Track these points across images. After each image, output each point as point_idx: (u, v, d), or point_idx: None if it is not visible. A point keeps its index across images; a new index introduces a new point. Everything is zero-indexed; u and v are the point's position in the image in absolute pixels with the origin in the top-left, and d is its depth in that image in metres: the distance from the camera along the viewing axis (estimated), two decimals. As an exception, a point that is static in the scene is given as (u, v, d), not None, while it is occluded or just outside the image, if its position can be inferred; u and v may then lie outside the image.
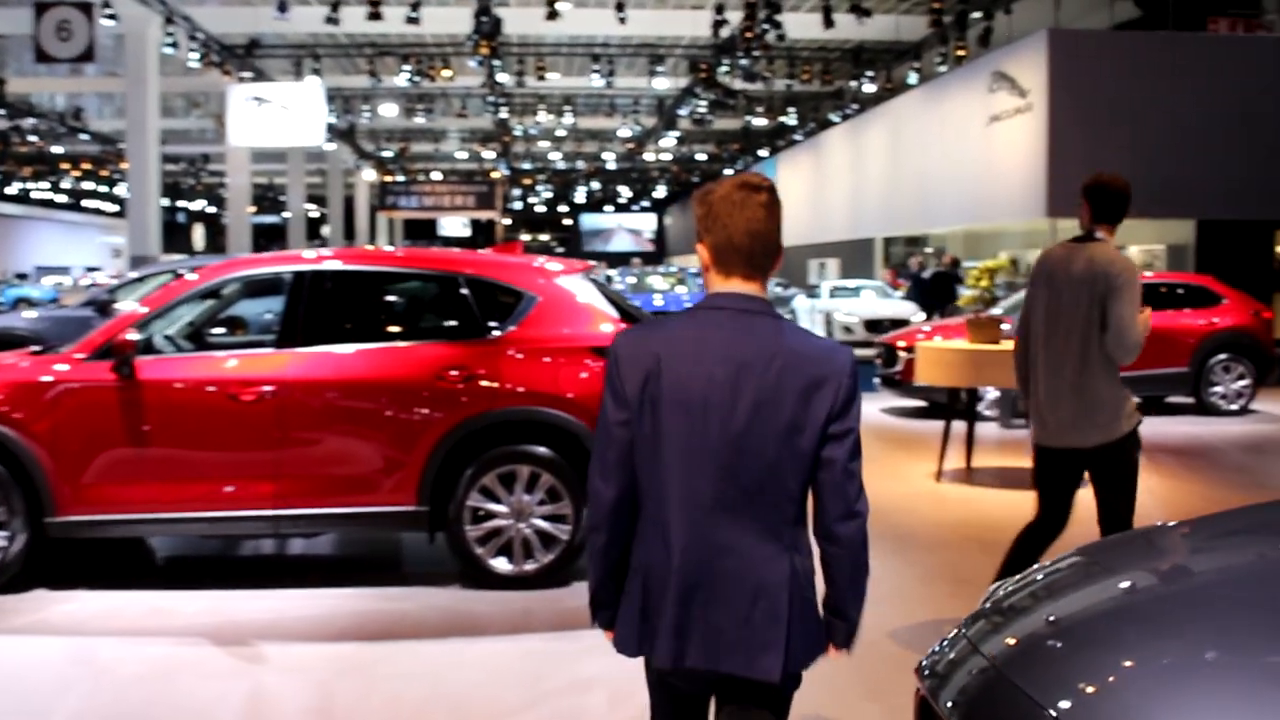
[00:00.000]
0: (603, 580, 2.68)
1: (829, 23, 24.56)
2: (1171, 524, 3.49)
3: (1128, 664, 2.42)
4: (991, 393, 12.72)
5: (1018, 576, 3.31)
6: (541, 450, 6.30)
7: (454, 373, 6.24)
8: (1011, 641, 2.76)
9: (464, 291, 6.49)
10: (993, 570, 6.87)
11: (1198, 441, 11.98)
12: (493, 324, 6.41)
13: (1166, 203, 23.28)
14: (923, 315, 23.13)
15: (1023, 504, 9.06)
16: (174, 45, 23.20)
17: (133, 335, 6.28)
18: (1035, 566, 3.38)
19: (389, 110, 38.03)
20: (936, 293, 22.97)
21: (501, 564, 6.34)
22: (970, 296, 9.92)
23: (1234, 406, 13.91)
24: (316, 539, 7.53)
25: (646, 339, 2.59)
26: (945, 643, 3.00)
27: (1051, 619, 2.84)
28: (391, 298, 7.36)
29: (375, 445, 6.25)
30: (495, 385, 6.25)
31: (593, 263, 7.28)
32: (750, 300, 2.56)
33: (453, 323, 6.62)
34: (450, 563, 6.56)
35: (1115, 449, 5.22)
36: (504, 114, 38.24)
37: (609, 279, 33.69)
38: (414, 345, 6.43)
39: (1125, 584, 2.99)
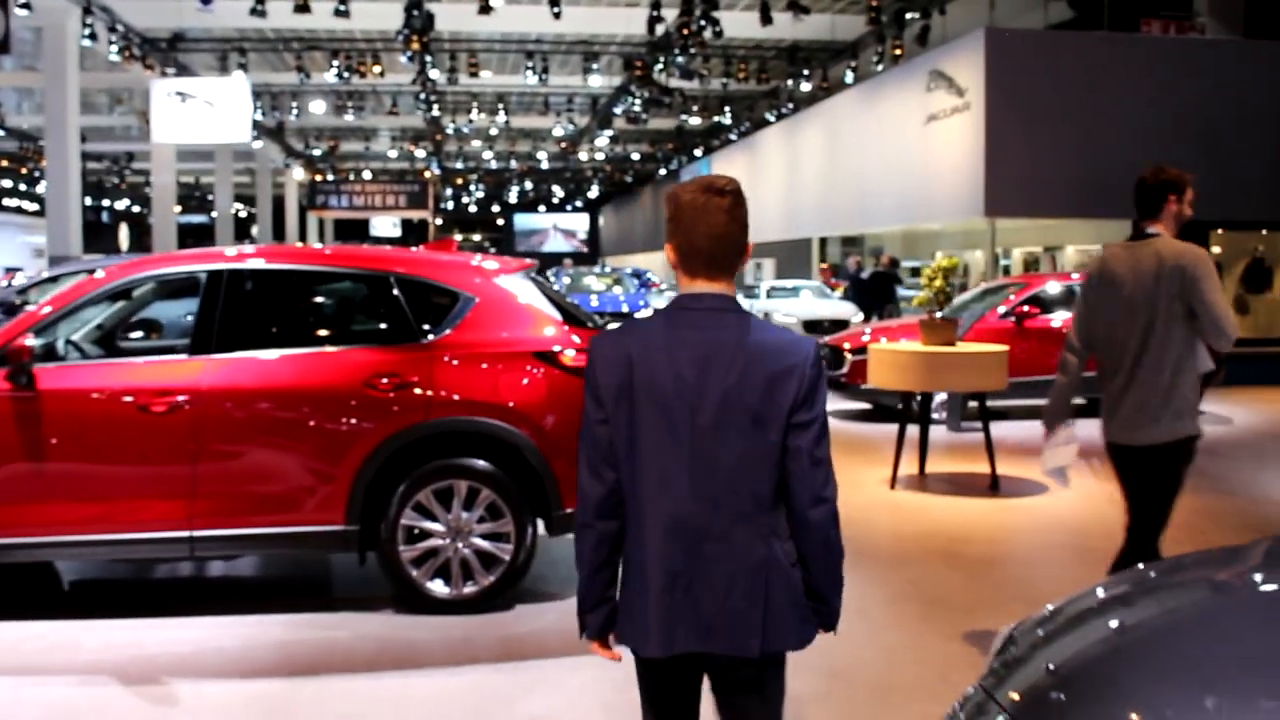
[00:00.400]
0: (590, 576, 2.71)
1: (766, 20, 24.25)
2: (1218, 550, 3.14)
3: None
4: (939, 395, 12.43)
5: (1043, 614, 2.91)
6: (480, 464, 5.84)
7: (385, 380, 5.76)
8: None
9: (395, 293, 6.01)
10: (962, 587, 6.56)
11: (1149, 444, 11.74)
12: (427, 327, 5.94)
13: (1104, 203, 23.23)
14: (861, 316, 22.90)
15: (983, 512, 8.82)
16: (92, 37, 22.36)
17: (30, 341, 5.74)
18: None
19: (318, 108, 37.25)
20: (875, 293, 22.77)
21: (439, 587, 5.87)
22: (923, 297, 9.59)
23: (1181, 408, 13.71)
24: (237, 562, 6.98)
25: (621, 340, 2.67)
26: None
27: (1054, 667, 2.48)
28: (317, 299, 6.80)
29: (299, 459, 5.75)
30: (430, 394, 5.78)
31: (533, 261, 6.79)
32: (716, 299, 2.64)
33: (383, 326, 6.11)
34: (383, 585, 6.07)
35: (1172, 450, 5.07)
36: (436, 112, 37.61)
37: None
38: (341, 351, 5.91)
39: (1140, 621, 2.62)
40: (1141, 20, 24.81)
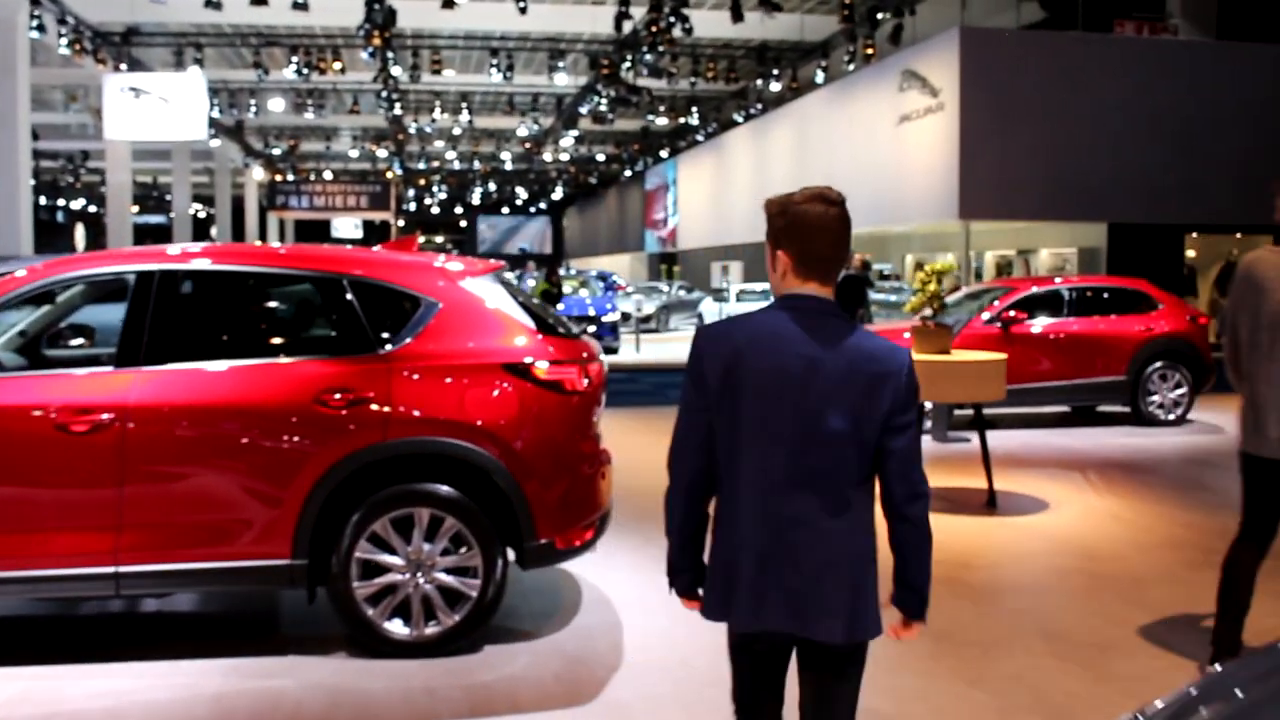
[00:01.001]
0: (681, 546, 2.96)
1: (738, 17, 23.69)
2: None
3: None
4: (926, 405, 11.89)
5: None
6: (444, 490, 5.21)
7: (337, 396, 5.12)
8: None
9: (349, 297, 5.36)
10: (972, 619, 5.98)
11: (1144, 455, 11.27)
12: (385, 336, 5.30)
13: (1079, 205, 22.92)
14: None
15: (983, 532, 8.23)
16: (40, 29, 21.54)
17: (-66, 351, 5.08)
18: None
19: (277, 105, 36.46)
20: (847, 296, 22.19)
21: (397, 627, 5.24)
22: (916, 301, 9.03)
23: (1171, 416, 13.28)
24: (171, 599, 6.23)
25: (728, 334, 2.83)
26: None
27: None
28: (261, 305, 6.11)
29: (240, 486, 5.10)
30: (387, 411, 5.15)
31: (502, 262, 6.14)
32: (823, 303, 2.82)
33: (336, 335, 5.45)
34: (335, 625, 5.42)
35: None
36: (398, 111, 36.87)
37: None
38: (288, 363, 5.26)
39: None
40: (1115, 21, 24.51)
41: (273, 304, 6.09)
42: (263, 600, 6.29)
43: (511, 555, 5.43)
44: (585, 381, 5.44)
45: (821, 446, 2.74)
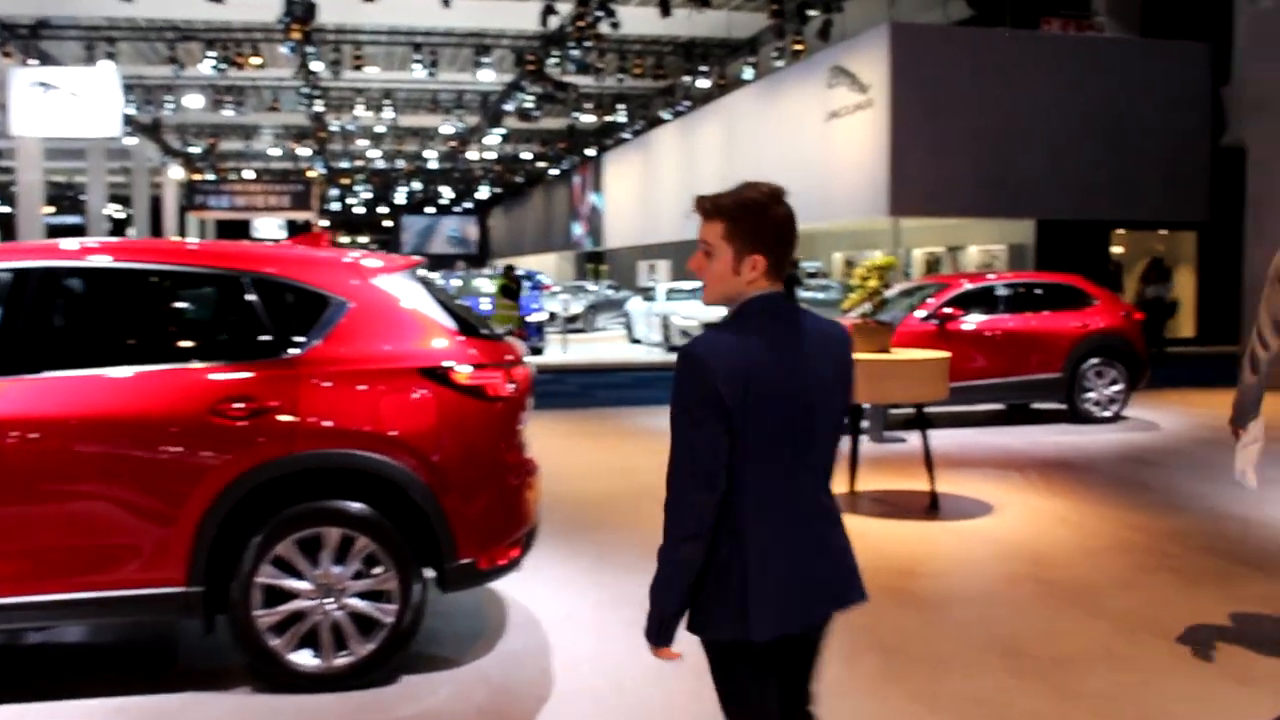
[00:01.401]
0: (689, 585, 2.73)
1: (665, 11, 23.35)
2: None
3: None
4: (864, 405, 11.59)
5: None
6: (356, 507, 4.77)
7: (237, 405, 4.66)
8: None
9: (250, 296, 4.89)
10: (921, 632, 5.62)
11: (1083, 453, 11.05)
12: (290, 339, 4.84)
13: (1007, 202, 22.88)
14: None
15: (927, 538, 7.84)
16: (-61, 21, 20.67)
17: None
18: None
19: (194, 102, 35.51)
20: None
21: (305, 659, 4.77)
22: (856, 298, 8.71)
23: (1107, 413, 13.11)
24: (51, 632, 5.64)
25: (737, 349, 2.68)
26: None
27: None
28: (153, 305, 5.42)
29: (126, 506, 4.61)
30: (293, 421, 4.69)
31: (420, 258, 5.68)
32: (785, 296, 2.80)
33: (236, 338, 4.99)
34: (236, 657, 4.93)
35: None
36: (319, 108, 36.16)
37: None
38: (182, 369, 4.76)
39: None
40: (1042, 19, 24.51)
41: (166, 304, 5.53)
42: (156, 632, 5.76)
43: (432, 576, 5.00)
44: (509, 386, 5.01)
45: (826, 435, 2.82)
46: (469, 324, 5.14)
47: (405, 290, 5.03)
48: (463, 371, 4.87)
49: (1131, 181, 23.50)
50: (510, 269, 22.14)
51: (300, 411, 4.69)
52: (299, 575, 4.76)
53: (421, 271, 5.35)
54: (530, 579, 6.30)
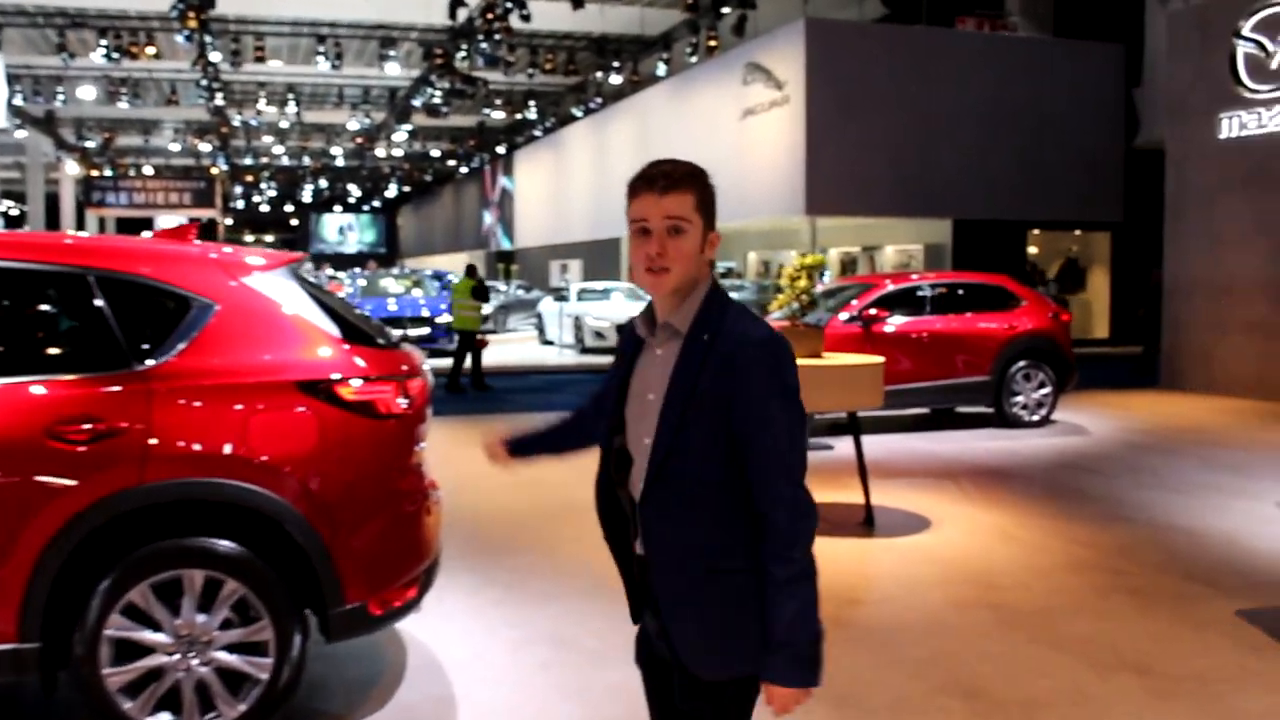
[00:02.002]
0: None
1: (578, 5, 22.71)
2: None
3: None
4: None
5: None
6: (223, 545, 4.07)
7: (81, 427, 3.94)
8: None
9: (96, 299, 4.15)
10: (872, 671, 4.95)
11: (1015, 459, 10.63)
12: (144, 347, 4.12)
13: (925, 201, 22.61)
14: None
15: (865, 557, 7.18)
16: None
17: None
18: None
19: (87, 94, 34.11)
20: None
21: (163, 724, 4.08)
22: (784, 299, 8.15)
23: (1035, 417, 12.75)
24: None
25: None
26: None
27: None
28: None
29: (-56, 548, 3.88)
30: (147, 445, 3.98)
31: (302, 254, 4.96)
32: None
33: (79, 347, 4.25)
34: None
35: None
36: (220, 102, 34.96)
37: (332, 278, 30.98)
38: (11, 384, 3.99)
39: None
40: (957, 18, 24.34)
41: None
42: None
43: (314, 624, 4.33)
44: (404, 402, 4.34)
45: None
46: (358, 330, 4.46)
47: (282, 291, 4.33)
48: (352, 385, 4.20)
49: (1047, 182, 23.39)
50: (473, 268, 20.64)
51: (155, 433, 3.98)
52: (156, 626, 4.04)
53: (302, 269, 4.66)
54: (432, 614, 5.64)
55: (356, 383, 4.21)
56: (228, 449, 4.04)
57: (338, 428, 4.17)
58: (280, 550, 4.16)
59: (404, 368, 4.47)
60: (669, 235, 2.34)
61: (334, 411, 4.17)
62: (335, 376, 4.20)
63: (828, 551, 7.20)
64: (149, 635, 4.04)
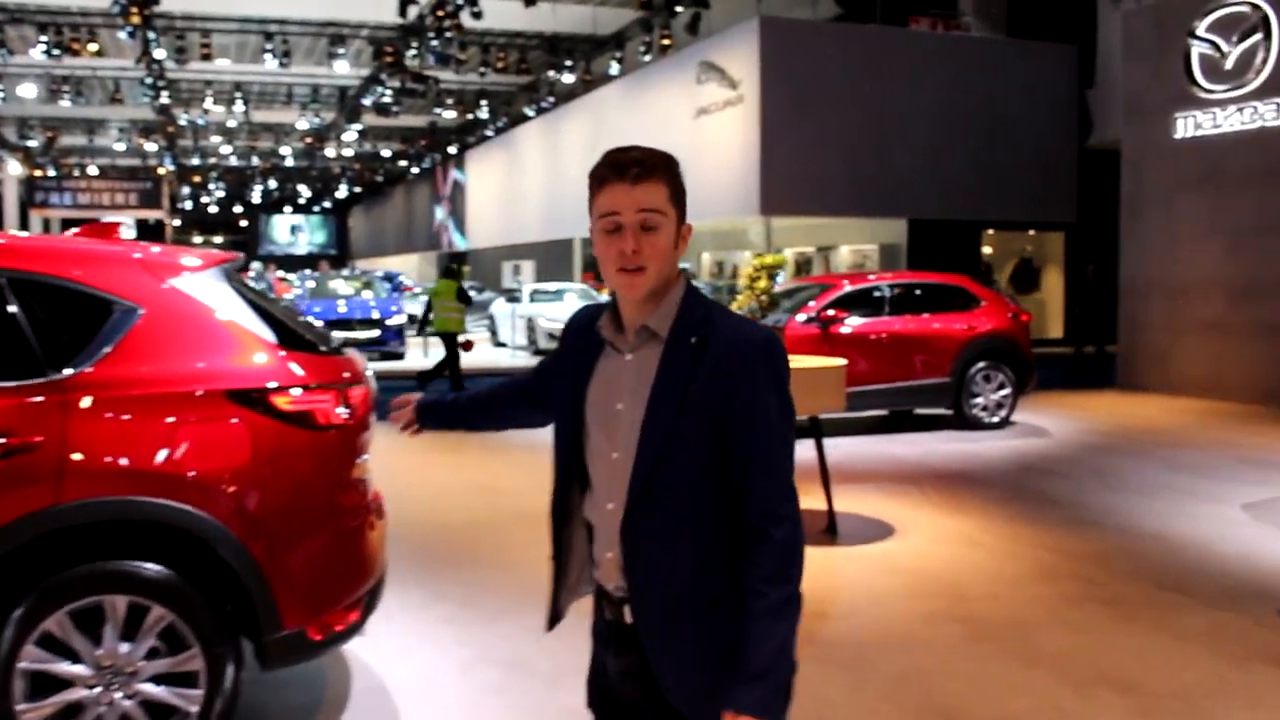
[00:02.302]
0: None
1: (530, 1, 22.39)
2: None
3: None
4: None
5: None
6: (149, 569, 3.76)
7: (-8, 441, 3.63)
8: None
9: (9, 305, 3.82)
10: (845, 694, 4.75)
11: (977, 462, 10.47)
12: (62, 354, 3.81)
13: (880, 201, 22.48)
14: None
15: (829, 567, 6.71)
16: None
17: None
18: None
19: (28, 91, 33.36)
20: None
21: (82, 763, 3.76)
22: (743, 299, 7.93)
23: (995, 419, 12.61)
24: None
25: None
26: None
27: None
28: None
29: None
30: (64, 461, 3.66)
31: (237, 254, 4.63)
32: None
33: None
34: (-2, 756, 3.92)
35: None
36: (166, 100, 34.30)
37: (264, 279, 30.47)
38: (-84, 396, 3.71)
39: None
40: (910, 18, 24.26)
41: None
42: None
43: (249, 651, 4.03)
44: (344, 411, 4.05)
45: None
46: (296, 335, 4.16)
47: (214, 294, 4.03)
48: (290, 394, 3.91)
49: (1001, 182, 23.36)
50: (452, 269, 19.86)
51: (73, 448, 3.67)
52: (75, 657, 3.74)
53: (235, 269, 4.36)
54: (379, 633, 5.35)
55: (294, 391, 3.92)
56: (153, 464, 3.74)
57: (273, 440, 3.88)
58: (211, 573, 3.86)
59: (345, 375, 4.18)
60: (643, 231, 2.11)
61: (269, 422, 3.87)
62: (271, 385, 3.91)
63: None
64: (67, 667, 3.73)
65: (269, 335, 4.02)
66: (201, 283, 4.04)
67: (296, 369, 3.98)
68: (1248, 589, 6.37)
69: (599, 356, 2.25)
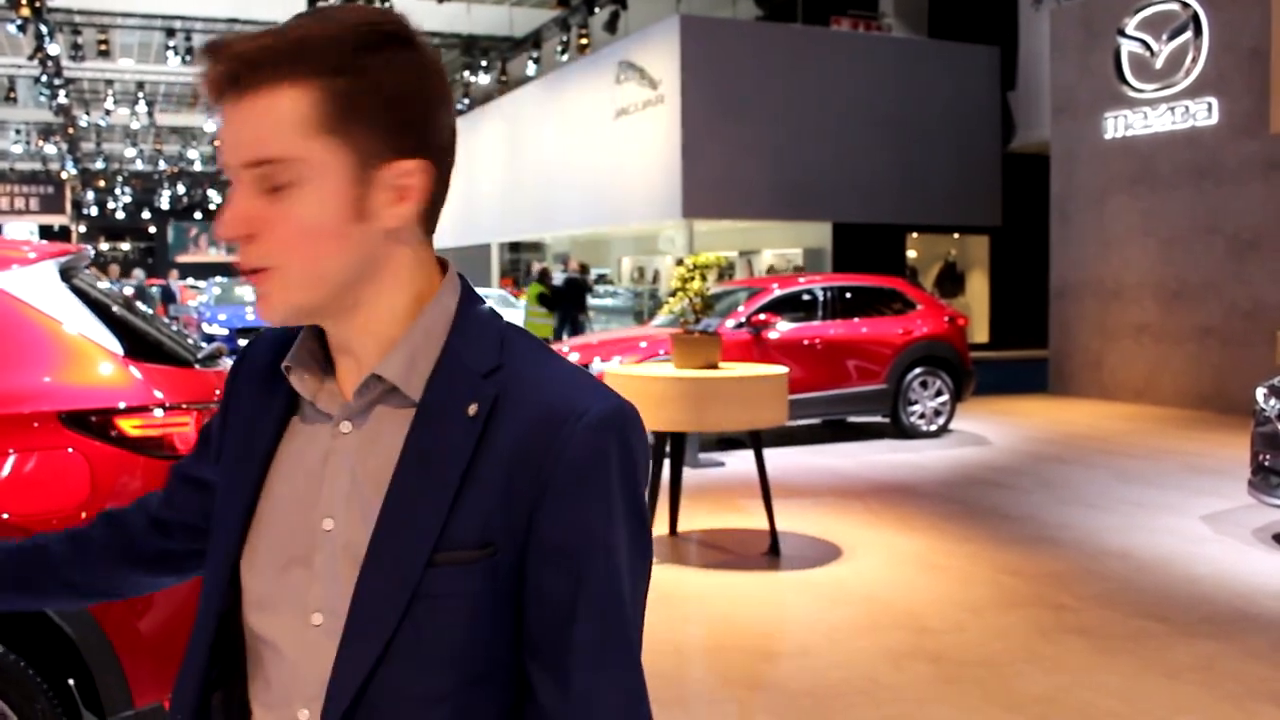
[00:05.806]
0: None
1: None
2: None
3: None
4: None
5: None
6: (-43, 639, 3.03)
7: None
8: None
9: None
10: None
11: (920, 474, 9.94)
12: None
13: (803, 205, 22.02)
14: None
15: (775, 597, 6.20)
16: None
17: None
18: None
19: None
20: (568, 301, 20.55)
21: None
22: (674, 302, 7.29)
23: (933, 427, 12.12)
24: None
25: None
26: None
27: None
28: None
29: None
30: None
31: (82, 245, 3.80)
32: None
33: None
34: None
35: None
36: (64, 100, 32.97)
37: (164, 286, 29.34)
38: None
39: None
40: (831, 18, 23.91)
41: None
42: None
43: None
44: (212, 439, 3.34)
45: None
46: (153, 345, 3.43)
47: (44, 293, 3.28)
48: (134, 417, 3.18)
49: (925, 185, 23.02)
50: (546, 272, 18.80)
51: None
52: None
53: (77, 265, 3.62)
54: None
55: (146, 414, 3.20)
56: (-37, 507, 2.99)
57: (118, 472, 3.14)
58: (44, 643, 3.12)
59: (217, 392, 3.46)
60: (259, 192, 1.11)
61: (113, 451, 3.14)
62: (119, 406, 3.18)
63: (733, 589, 6.35)
64: None
65: (116, 345, 3.27)
66: (29, 281, 3.28)
67: (150, 386, 3.25)
68: (1227, 614, 5.86)
69: (287, 424, 1.26)
